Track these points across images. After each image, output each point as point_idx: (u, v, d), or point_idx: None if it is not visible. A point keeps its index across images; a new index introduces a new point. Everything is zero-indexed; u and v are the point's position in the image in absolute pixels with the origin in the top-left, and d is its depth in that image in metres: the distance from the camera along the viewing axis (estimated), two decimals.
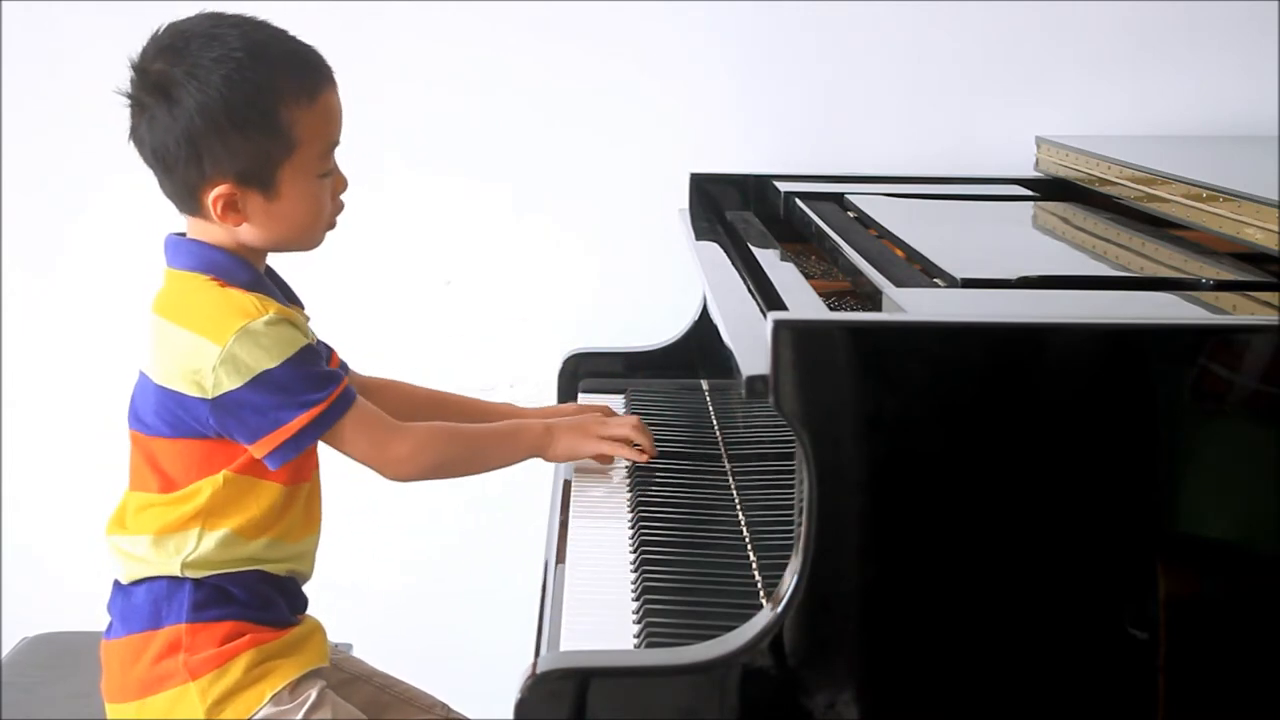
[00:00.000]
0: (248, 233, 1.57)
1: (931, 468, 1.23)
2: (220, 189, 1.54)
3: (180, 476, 1.58)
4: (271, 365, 1.52)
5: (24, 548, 2.65)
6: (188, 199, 1.57)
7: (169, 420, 1.56)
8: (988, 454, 1.24)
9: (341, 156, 1.63)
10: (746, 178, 2.30)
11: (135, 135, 1.57)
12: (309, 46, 1.59)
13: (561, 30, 2.44)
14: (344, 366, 1.79)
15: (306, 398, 1.54)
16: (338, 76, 1.60)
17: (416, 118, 2.48)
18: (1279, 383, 1.22)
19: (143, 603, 1.59)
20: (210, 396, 1.52)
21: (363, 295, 2.52)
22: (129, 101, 1.56)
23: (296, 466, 1.59)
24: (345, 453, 1.60)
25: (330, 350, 1.78)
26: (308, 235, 1.61)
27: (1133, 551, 1.24)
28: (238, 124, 1.52)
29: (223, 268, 1.57)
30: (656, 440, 1.82)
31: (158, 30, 1.56)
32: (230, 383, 1.52)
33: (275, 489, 1.59)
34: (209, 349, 1.52)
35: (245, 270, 1.58)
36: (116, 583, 1.63)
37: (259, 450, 1.54)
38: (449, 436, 1.67)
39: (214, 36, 1.53)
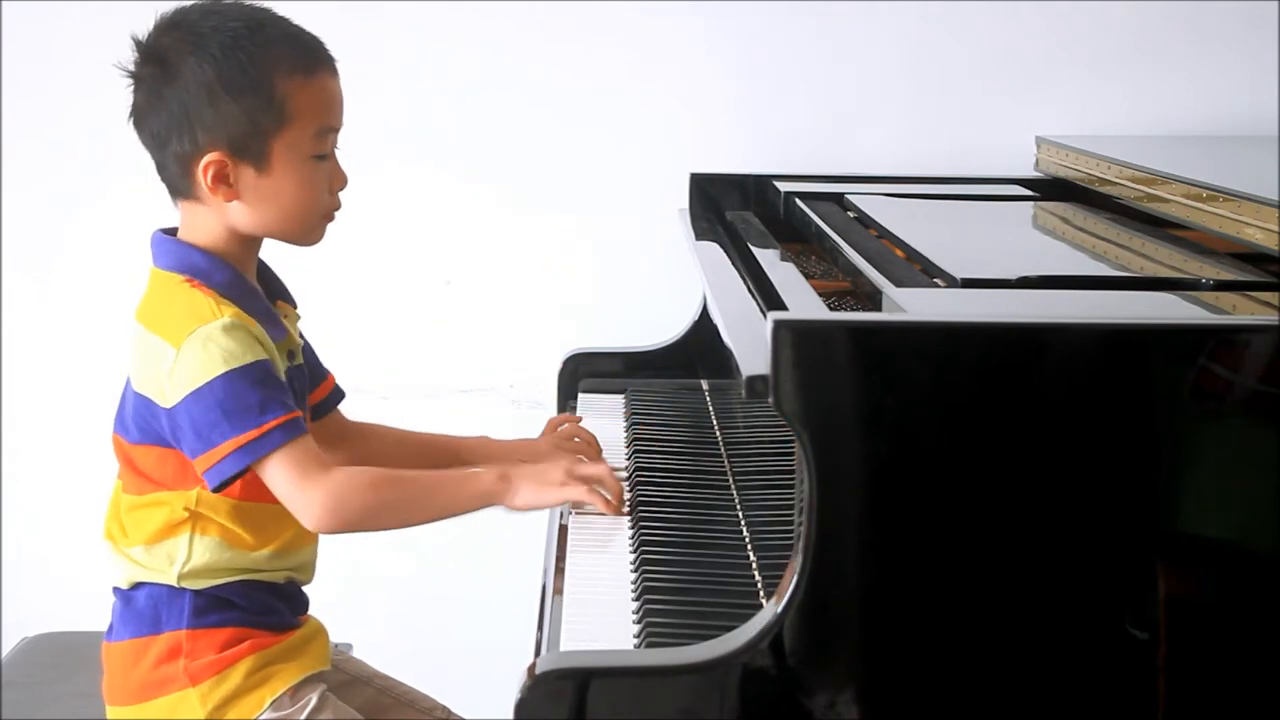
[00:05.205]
0: (239, 213, 1.55)
1: (931, 467, 1.23)
2: (211, 157, 1.53)
3: (160, 483, 1.56)
4: (214, 375, 1.48)
5: (24, 548, 2.65)
6: (182, 177, 1.56)
7: (142, 426, 1.56)
8: (988, 454, 1.24)
9: (342, 156, 1.63)
10: (746, 178, 2.30)
11: (135, 114, 1.57)
12: (312, 34, 1.59)
13: (562, 30, 2.44)
14: (337, 392, 1.77)
15: (241, 421, 1.48)
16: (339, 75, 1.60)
17: (416, 117, 2.48)
18: (1279, 383, 1.23)
19: (144, 607, 1.59)
20: (166, 406, 1.51)
21: (362, 295, 2.52)
22: (130, 79, 1.56)
23: (261, 485, 1.54)
24: (271, 488, 1.52)
25: (326, 373, 1.76)
26: (301, 223, 1.58)
27: (1133, 551, 1.24)
28: (230, 90, 1.52)
29: (200, 269, 1.55)
30: (657, 440, 1.81)
31: (162, 13, 1.57)
32: (179, 392, 1.49)
33: (258, 506, 1.56)
34: (167, 352, 1.51)
35: (222, 271, 1.56)
36: (117, 586, 1.62)
37: (198, 468, 1.52)
38: (375, 482, 1.54)
39: (215, 12, 1.55)
